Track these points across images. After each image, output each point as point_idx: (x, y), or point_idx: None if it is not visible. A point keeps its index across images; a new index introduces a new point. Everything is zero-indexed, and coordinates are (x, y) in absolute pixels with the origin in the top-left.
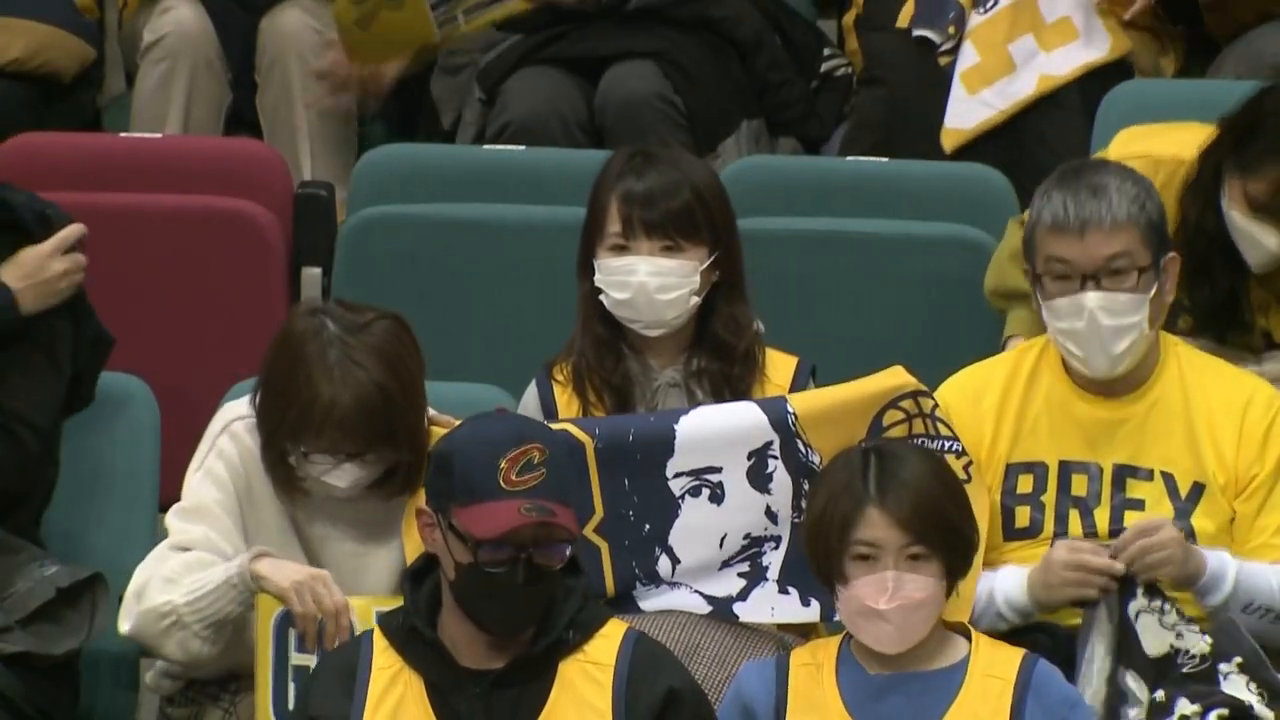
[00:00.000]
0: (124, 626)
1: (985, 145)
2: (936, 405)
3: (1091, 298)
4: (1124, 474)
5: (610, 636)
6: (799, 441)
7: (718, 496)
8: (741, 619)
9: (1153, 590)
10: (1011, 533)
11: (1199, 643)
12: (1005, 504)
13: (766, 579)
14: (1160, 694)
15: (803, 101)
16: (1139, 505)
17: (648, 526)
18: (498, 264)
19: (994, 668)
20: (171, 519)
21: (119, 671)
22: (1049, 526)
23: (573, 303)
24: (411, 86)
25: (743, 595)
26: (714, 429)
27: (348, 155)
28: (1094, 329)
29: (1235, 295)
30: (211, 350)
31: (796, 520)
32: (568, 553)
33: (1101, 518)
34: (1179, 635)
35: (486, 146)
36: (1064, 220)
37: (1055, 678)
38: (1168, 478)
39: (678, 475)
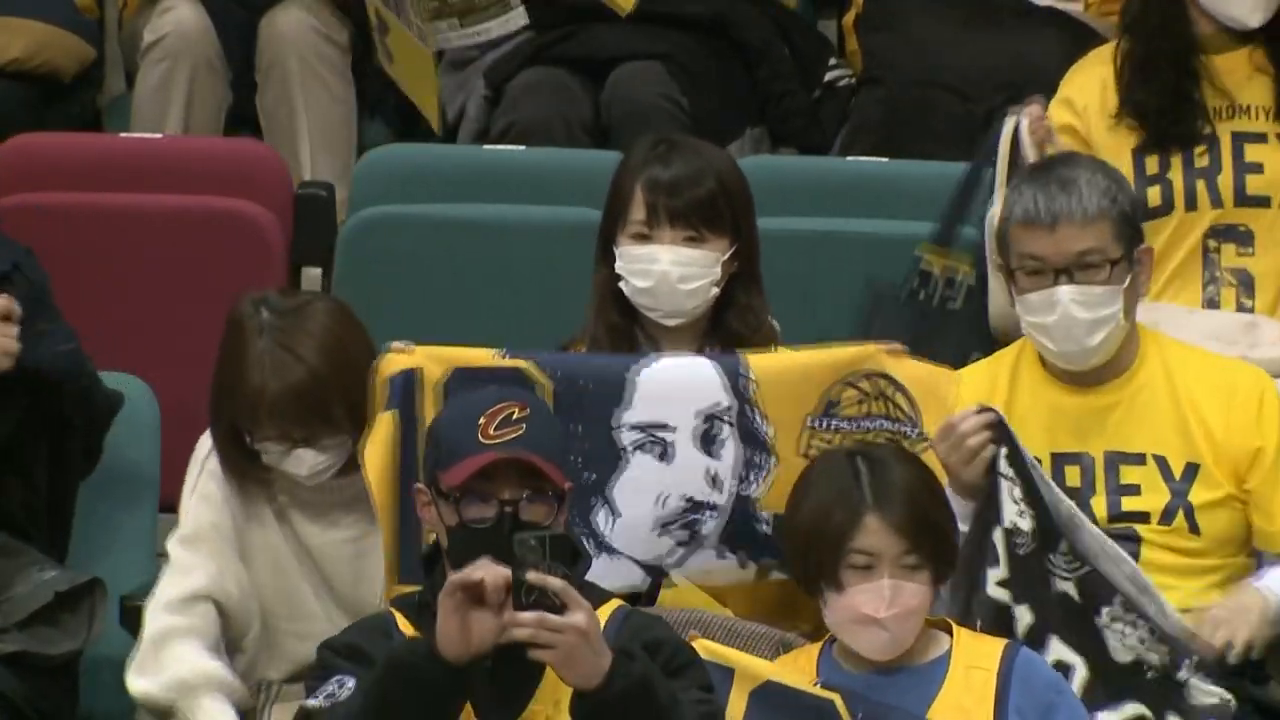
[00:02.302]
0: (138, 686)
1: None
2: (899, 388)
3: (1064, 291)
4: (1116, 460)
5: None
6: (751, 409)
7: (666, 455)
8: (678, 583)
9: (1010, 459)
10: None
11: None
12: None
13: (704, 547)
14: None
15: (804, 114)
16: (1134, 490)
17: (593, 476)
18: (498, 264)
19: (977, 659)
20: (174, 547)
21: (118, 673)
22: None
23: (573, 302)
24: None
25: (680, 562)
26: (670, 383)
27: (348, 155)
28: (1068, 322)
29: (1180, 94)
30: (211, 351)
31: (738, 490)
32: (558, 509)
33: (1099, 506)
34: (1020, 513)
35: (487, 147)
36: (1035, 215)
37: (1038, 663)
38: (1160, 460)
39: (628, 427)
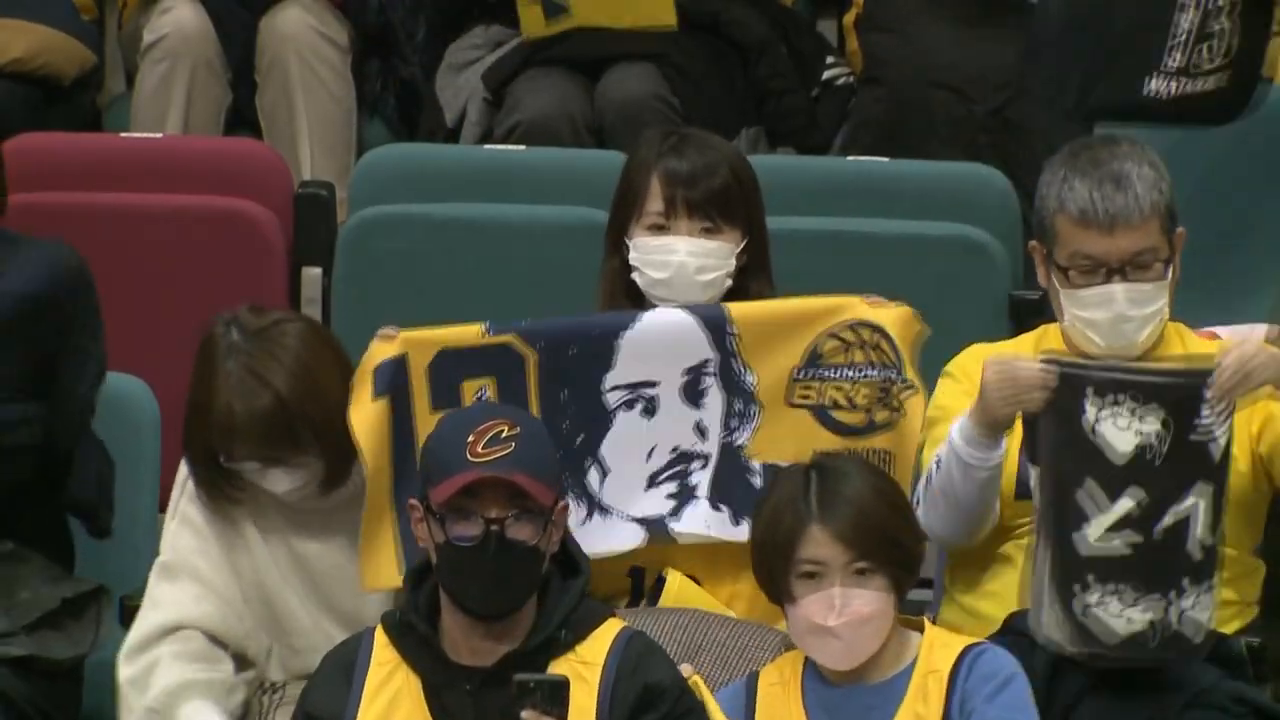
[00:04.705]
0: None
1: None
2: (882, 334)
3: (1119, 290)
4: None
5: (603, 637)
6: (735, 361)
7: (650, 410)
8: (679, 539)
9: (1101, 389)
10: (1024, 491)
11: (1158, 420)
12: (1020, 467)
13: (696, 497)
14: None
15: (803, 112)
16: None
17: (581, 437)
18: (498, 264)
19: (935, 662)
20: (154, 578)
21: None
22: None
23: (573, 302)
24: (412, 85)
25: (675, 514)
26: (656, 342)
27: (348, 155)
28: (1119, 319)
29: None
30: None
31: (725, 439)
32: (547, 528)
33: None
34: (1140, 419)
35: (487, 146)
36: (1092, 216)
37: (988, 656)
38: None
39: (614, 388)
